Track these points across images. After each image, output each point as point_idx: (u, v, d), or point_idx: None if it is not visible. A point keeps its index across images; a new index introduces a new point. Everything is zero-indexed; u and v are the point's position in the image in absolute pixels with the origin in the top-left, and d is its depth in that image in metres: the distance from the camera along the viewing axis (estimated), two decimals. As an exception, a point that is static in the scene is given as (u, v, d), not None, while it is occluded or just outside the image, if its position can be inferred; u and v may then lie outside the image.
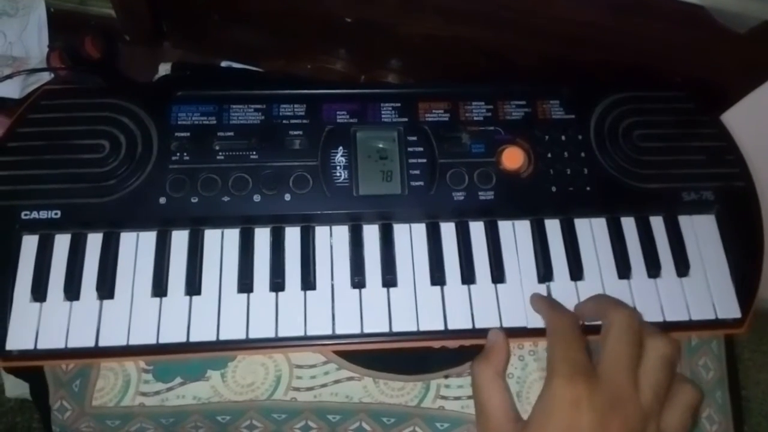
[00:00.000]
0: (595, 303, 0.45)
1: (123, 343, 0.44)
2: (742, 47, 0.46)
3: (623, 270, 0.47)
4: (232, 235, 0.47)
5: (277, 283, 0.46)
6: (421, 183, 0.48)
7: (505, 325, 0.45)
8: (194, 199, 0.46)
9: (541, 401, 0.38)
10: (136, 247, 0.46)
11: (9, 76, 0.56)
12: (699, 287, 0.47)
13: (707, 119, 0.52)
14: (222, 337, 0.44)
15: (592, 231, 0.49)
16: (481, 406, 0.42)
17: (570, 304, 0.46)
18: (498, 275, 0.47)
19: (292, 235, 0.47)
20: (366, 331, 0.45)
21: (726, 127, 0.52)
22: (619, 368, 0.38)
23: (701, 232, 0.49)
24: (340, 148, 0.49)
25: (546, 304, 0.45)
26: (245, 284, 0.46)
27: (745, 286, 0.48)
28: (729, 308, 0.47)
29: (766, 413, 1.21)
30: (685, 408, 0.39)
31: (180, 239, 0.47)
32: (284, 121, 0.49)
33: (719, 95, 0.54)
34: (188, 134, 0.48)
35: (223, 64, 0.62)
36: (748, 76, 0.52)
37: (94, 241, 0.46)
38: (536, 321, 0.45)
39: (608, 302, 0.43)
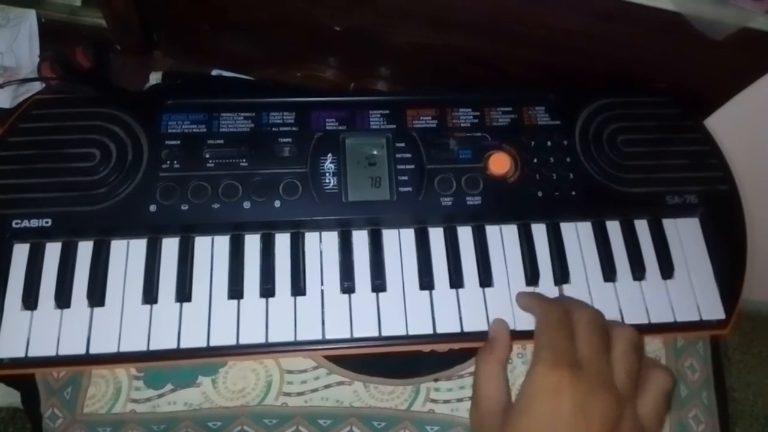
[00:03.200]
0: (532, 300, 0.45)
1: (114, 350, 0.44)
2: (721, 54, 0.47)
3: (608, 273, 0.48)
4: (223, 241, 0.48)
5: (267, 289, 0.46)
6: (410, 189, 0.49)
7: (493, 328, 0.46)
8: (184, 207, 0.47)
9: (524, 388, 0.39)
10: (127, 255, 0.47)
11: (0, 86, 0.57)
12: (683, 289, 0.48)
13: (691, 124, 0.53)
14: (213, 344, 0.45)
15: (577, 235, 0.49)
16: (476, 391, 0.43)
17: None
18: (486, 279, 0.47)
19: (282, 242, 0.48)
20: (356, 335, 0.45)
21: (709, 132, 0.53)
22: (595, 356, 0.39)
23: (685, 235, 0.50)
24: (329, 154, 0.49)
25: (535, 298, 0.46)
26: (235, 290, 0.46)
27: (728, 288, 0.49)
28: (713, 309, 0.48)
29: (757, 415, 1.22)
30: (659, 393, 0.40)
31: (170, 246, 0.47)
32: (274, 129, 0.50)
33: (702, 100, 0.55)
34: (178, 142, 0.49)
35: (214, 72, 0.62)
36: (728, 81, 0.53)
37: (85, 249, 0.47)
38: (524, 324, 0.46)
39: (570, 301, 0.44)
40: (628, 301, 0.47)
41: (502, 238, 0.49)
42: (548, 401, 0.37)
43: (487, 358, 0.44)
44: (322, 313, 0.46)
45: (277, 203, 0.48)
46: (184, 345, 0.44)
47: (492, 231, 0.49)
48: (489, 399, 0.42)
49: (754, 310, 1.19)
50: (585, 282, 0.48)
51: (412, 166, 0.49)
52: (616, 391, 0.38)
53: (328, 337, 0.45)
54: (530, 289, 0.47)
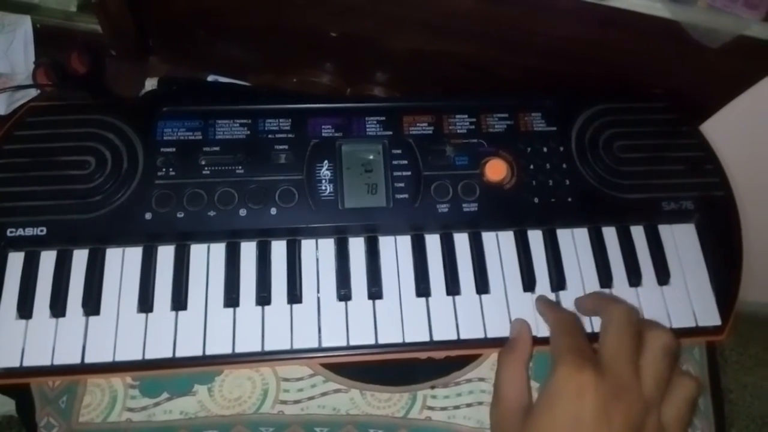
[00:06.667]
0: (593, 300, 0.46)
1: (109, 359, 0.44)
2: (716, 61, 0.47)
3: (605, 279, 0.48)
4: (218, 249, 0.47)
5: (263, 297, 0.46)
6: (406, 195, 0.49)
7: (490, 335, 0.46)
8: (180, 214, 0.47)
9: (546, 389, 0.38)
10: (122, 263, 0.47)
11: (-6, 93, 0.57)
12: (679, 295, 0.48)
13: (686, 130, 0.53)
14: (208, 352, 0.44)
15: (574, 241, 0.49)
16: (498, 390, 0.43)
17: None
18: (482, 286, 0.47)
19: (278, 249, 0.48)
20: (352, 343, 0.45)
21: (705, 137, 0.53)
22: (621, 358, 0.38)
23: (681, 241, 0.50)
24: (326, 161, 0.49)
25: (548, 304, 0.46)
26: (231, 298, 0.46)
27: (724, 294, 0.49)
28: (709, 316, 0.48)
29: (753, 416, 1.22)
30: (684, 401, 0.39)
31: (166, 254, 0.47)
32: (270, 136, 0.50)
33: (698, 106, 0.55)
34: (174, 150, 0.49)
35: (210, 78, 0.62)
36: (723, 88, 0.54)
37: (80, 258, 0.46)
38: (520, 331, 0.46)
39: (606, 299, 0.45)
40: (624, 307, 0.47)
41: (499, 245, 0.49)
42: (571, 402, 0.36)
43: (509, 357, 0.44)
44: (319, 320, 0.46)
45: (273, 210, 0.47)
46: (179, 353, 0.44)
47: (488, 238, 0.49)
48: (510, 399, 0.42)
49: (750, 311, 1.19)
50: (581, 288, 0.48)
51: (409, 173, 0.49)
52: (641, 395, 0.37)
53: (324, 344, 0.45)
54: (527, 296, 0.47)
